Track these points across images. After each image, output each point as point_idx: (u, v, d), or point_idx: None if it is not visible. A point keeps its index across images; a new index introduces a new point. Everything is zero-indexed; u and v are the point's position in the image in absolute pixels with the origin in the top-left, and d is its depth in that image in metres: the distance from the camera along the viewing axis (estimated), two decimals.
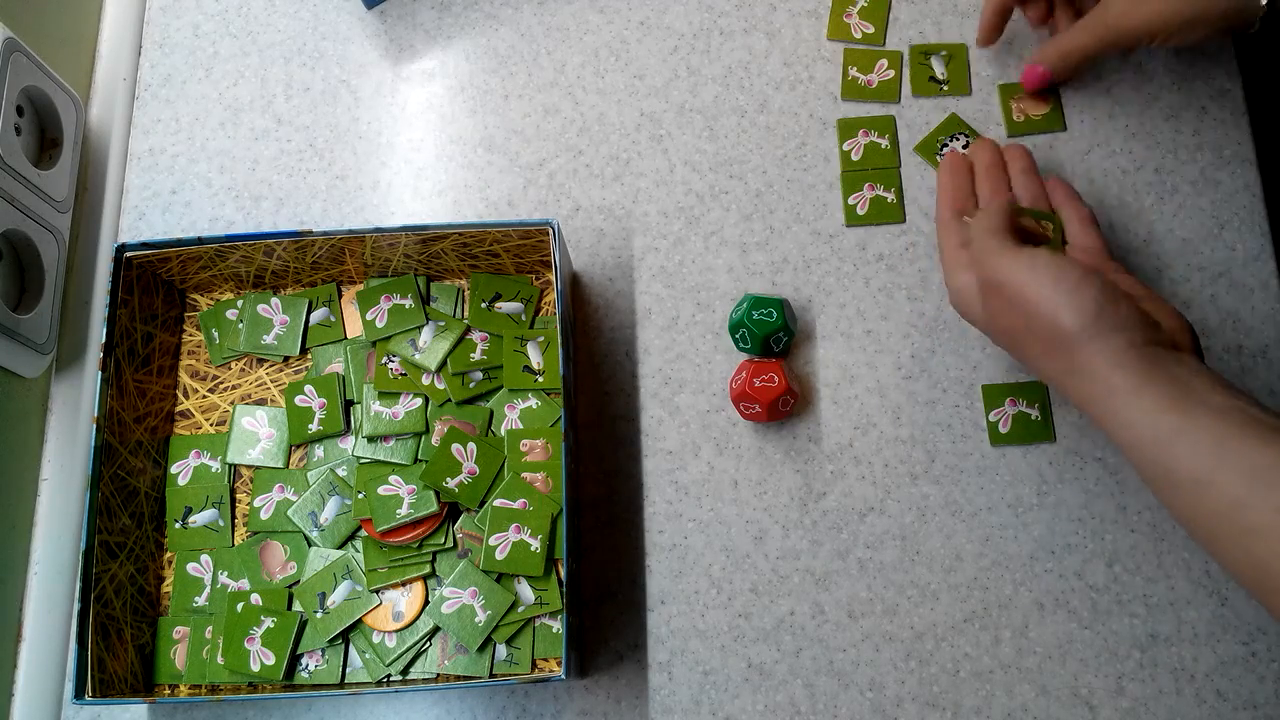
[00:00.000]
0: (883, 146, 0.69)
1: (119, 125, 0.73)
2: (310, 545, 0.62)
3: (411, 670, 0.60)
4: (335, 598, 0.61)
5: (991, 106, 0.69)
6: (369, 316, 0.66)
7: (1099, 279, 0.51)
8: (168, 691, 0.61)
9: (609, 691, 0.61)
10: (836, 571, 0.62)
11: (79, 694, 0.55)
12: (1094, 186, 0.67)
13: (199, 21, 0.75)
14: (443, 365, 0.65)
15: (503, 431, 0.64)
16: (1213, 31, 0.61)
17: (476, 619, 0.60)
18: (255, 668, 0.60)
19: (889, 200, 0.68)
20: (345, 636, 0.61)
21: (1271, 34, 0.62)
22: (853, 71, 0.70)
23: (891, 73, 0.70)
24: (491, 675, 0.60)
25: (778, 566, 0.62)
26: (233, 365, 0.67)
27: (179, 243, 0.61)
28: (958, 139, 0.68)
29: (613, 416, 0.65)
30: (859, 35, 0.71)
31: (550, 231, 0.60)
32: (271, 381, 0.66)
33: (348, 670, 0.61)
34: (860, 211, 0.68)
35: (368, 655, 0.60)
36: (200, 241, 0.61)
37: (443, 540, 0.62)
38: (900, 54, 0.71)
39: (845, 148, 0.69)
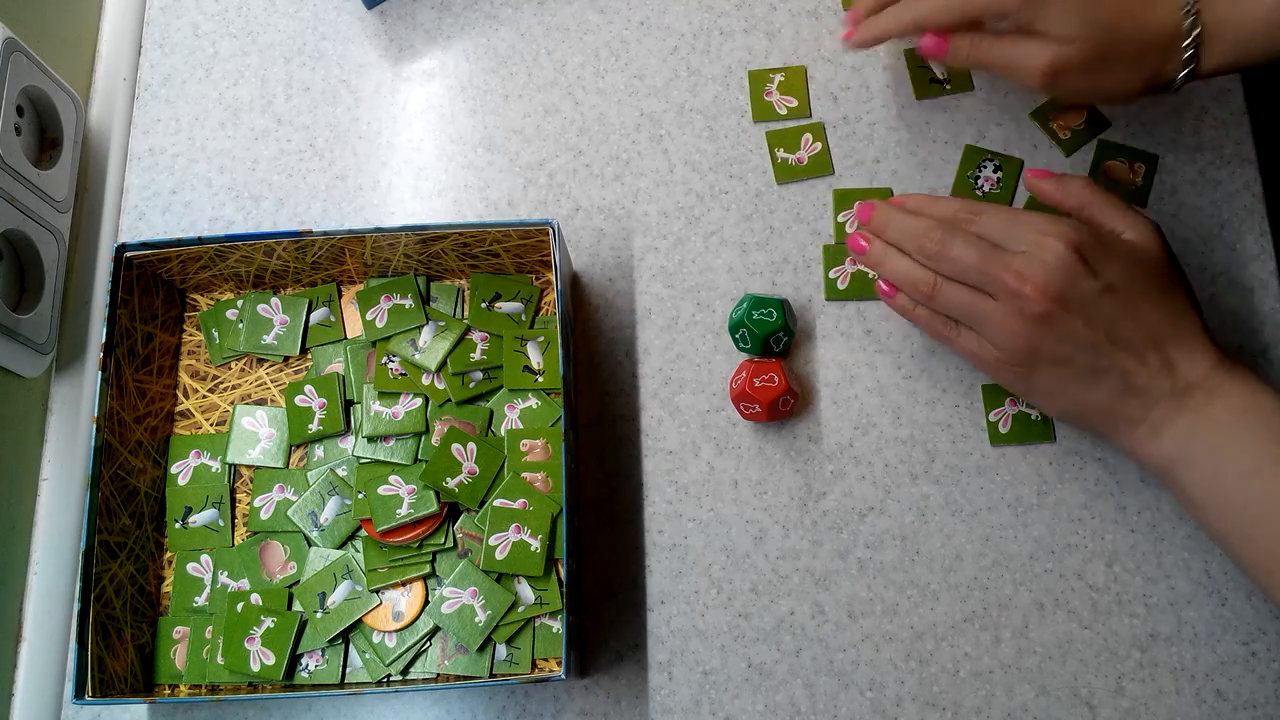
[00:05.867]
0: None
1: (119, 125, 0.73)
2: (310, 545, 0.62)
3: (411, 670, 0.60)
4: (335, 598, 0.61)
5: (991, 105, 0.69)
6: (369, 316, 0.66)
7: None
8: (168, 691, 0.61)
9: (609, 691, 0.61)
10: (836, 571, 0.62)
11: (79, 694, 0.55)
12: None
13: (199, 21, 0.75)
14: (443, 365, 0.65)
15: (503, 431, 0.64)
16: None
17: (476, 619, 0.60)
18: (255, 668, 0.60)
19: (870, 276, 0.66)
20: (345, 636, 0.61)
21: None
22: (780, 154, 0.69)
23: (819, 146, 0.69)
24: (491, 675, 0.60)
25: (778, 566, 0.62)
26: (233, 365, 0.67)
27: (179, 243, 0.61)
28: (985, 166, 0.68)
29: (613, 416, 0.65)
30: (784, 111, 0.70)
31: (550, 231, 0.60)
32: (271, 381, 0.66)
33: (348, 670, 0.61)
34: (840, 286, 0.66)
35: (368, 655, 0.60)
36: (200, 241, 0.61)
37: (443, 540, 0.62)
38: (822, 125, 0.69)
39: (840, 219, 0.68)
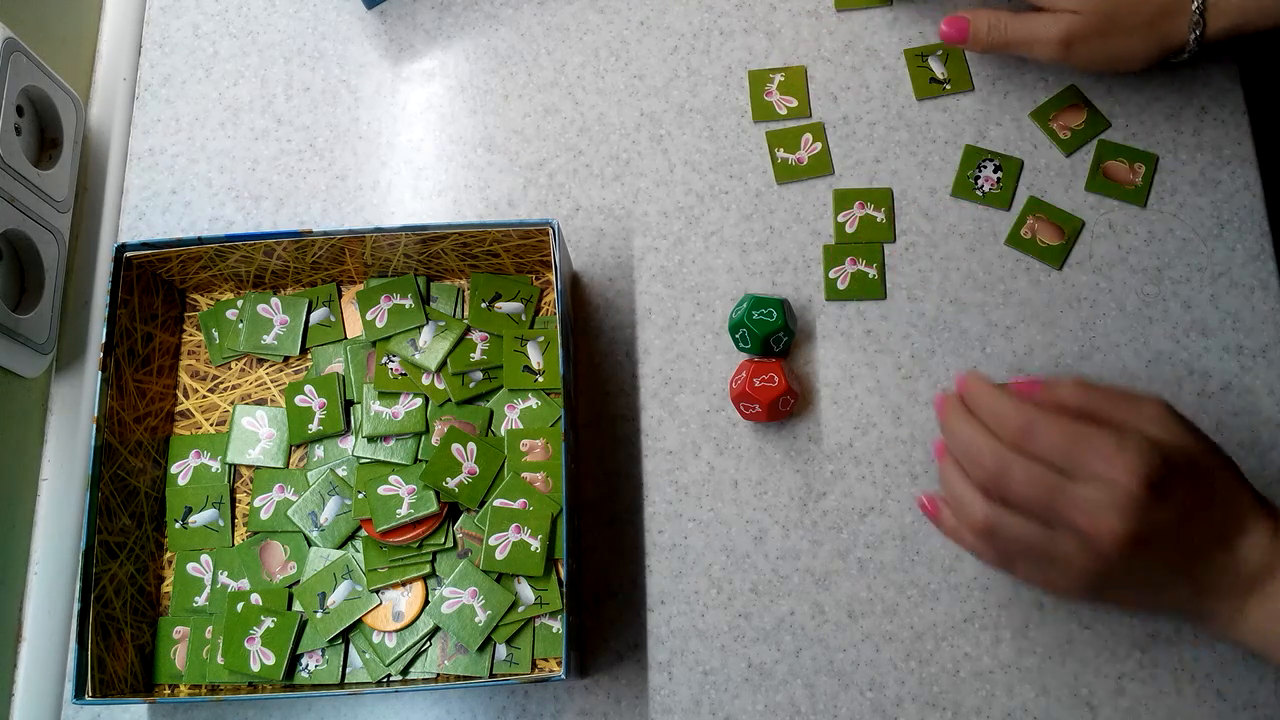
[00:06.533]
0: (878, 220, 0.67)
1: (119, 125, 0.73)
2: (310, 545, 0.62)
3: (411, 670, 0.60)
4: (335, 598, 0.61)
5: (991, 105, 0.69)
6: (369, 316, 0.66)
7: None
8: (168, 691, 0.61)
9: (609, 691, 0.61)
10: (836, 571, 0.62)
11: (79, 694, 0.55)
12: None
13: (199, 21, 0.75)
14: (443, 365, 0.65)
15: (503, 431, 0.64)
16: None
17: (476, 619, 0.60)
18: (255, 668, 0.60)
19: (870, 276, 0.66)
20: (345, 636, 0.61)
21: (1271, 33, 0.62)
22: (780, 154, 0.69)
23: (818, 146, 0.69)
24: (491, 675, 0.60)
25: (778, 566, 0.62)
26: (233, 365, 0.67)
27: (179, 243, 0.61)
28: (985, 166, 0.68)
29: (613, 416, 0.65)
30: (784, 111, 0.70)
31: (550, 231, 0.60)
32: (271, 381, 0.66)
33: (348, 670, 0.61)
34: (840, 286, 0.66)
35: (368, 655, 0.60)
36: (200, 241, 0.61)
37: (443, 540, 0.62)
38: (822, 125, 0.69)
39: (840, 219, 0.68)
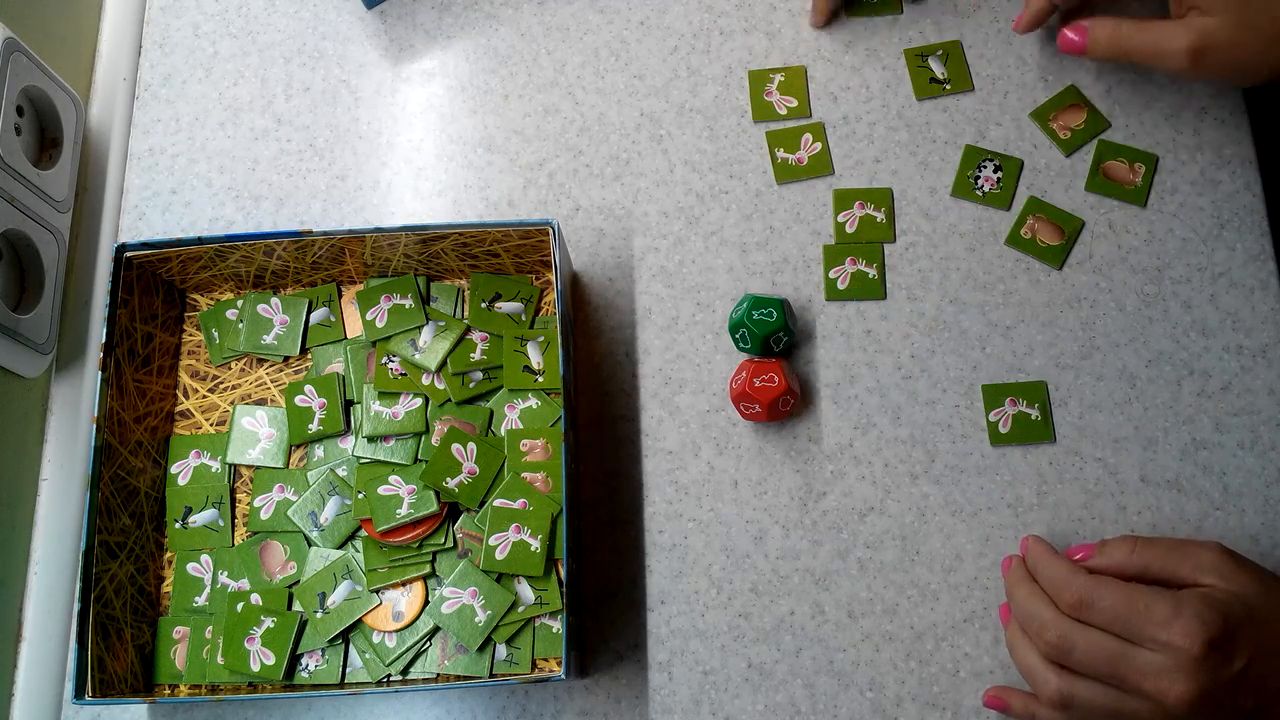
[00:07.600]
0: (878, 220, 0.67)
1: (119, 125, 0.73)
2: (310, 545, 0.62)
3: (411, 670, 0.60)
4: (335, 598, 0.61)
5: (991, 105, 0.69)
6: (369, 316, 0.66)
7: None
8: (168, 691, 0.61)
9: (609, 691, 0.61)
10: (836, 571, 0.62)
11: (79, 694, 0.55)
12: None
13: (199, 21, 0.75)
14: (443, 365, 0.65)
15: (503, 431, 0.64)
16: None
17: (476, 619, 0.60)
18: (255, 668, 0.60)
19: (870, 276, 0.66)
20: (345, 636, 0.61)
21: None
22: (780, 154, 0.69)
23: (818, 146, 0.69)
24: (491, 675, 0.60)
25: (778, 566, 0.62)
26: (233, 365, 0.67)
27: (179, 243, 0.61)
28: (985, 166, 0.68)
29: (613, 416, 0.65)
30: (784, 111, 0.70)
31: (550, 231, 0.60)
32: (271, 381, 0.66)
33: (348, 670, 0.61)
34: (841, 286, 0.66)
35: (368, 655, 0.60)
36: (200, 241, 0.61)
37: (443, 540, 0.62)
38: (822, 125, 0.69)
39: (840, 219, 0.68)
